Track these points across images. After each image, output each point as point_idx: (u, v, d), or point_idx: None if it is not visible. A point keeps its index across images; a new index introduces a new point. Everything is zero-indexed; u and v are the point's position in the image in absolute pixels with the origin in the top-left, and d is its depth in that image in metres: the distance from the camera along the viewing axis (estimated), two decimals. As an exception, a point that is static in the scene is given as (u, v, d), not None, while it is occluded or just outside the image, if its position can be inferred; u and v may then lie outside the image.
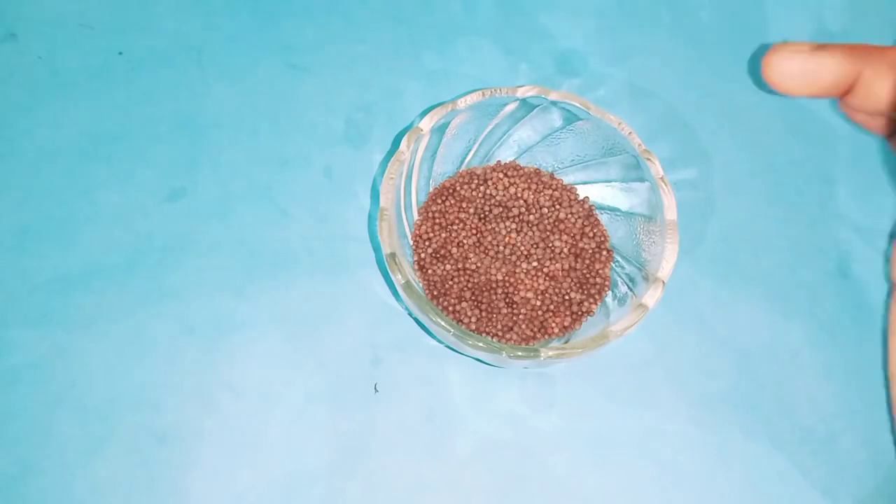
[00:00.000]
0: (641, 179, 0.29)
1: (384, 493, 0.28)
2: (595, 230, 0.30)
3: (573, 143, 0.30)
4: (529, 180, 0.31)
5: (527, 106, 0.29)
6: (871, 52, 0.27)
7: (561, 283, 0.29)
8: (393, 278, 0.26)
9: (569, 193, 0.31)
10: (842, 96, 0.27)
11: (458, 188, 0.30)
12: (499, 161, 0.31)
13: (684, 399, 0.30)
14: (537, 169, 0.31)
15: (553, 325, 0.29)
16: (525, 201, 0.30)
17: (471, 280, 0.29)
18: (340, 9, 0.35)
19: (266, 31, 0.35)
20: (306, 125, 0.33)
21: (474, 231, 0.30)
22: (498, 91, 0.28)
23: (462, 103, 0.28)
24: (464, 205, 0.30)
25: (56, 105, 0.33)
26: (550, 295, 0.29)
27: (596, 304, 0.29)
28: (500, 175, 0.30)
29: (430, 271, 0.29)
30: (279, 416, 0.28)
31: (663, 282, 0.27)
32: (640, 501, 0.28)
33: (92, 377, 0.29)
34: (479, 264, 0.29)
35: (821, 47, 0.27)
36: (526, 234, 0.30)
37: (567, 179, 0.31)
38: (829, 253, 0.32)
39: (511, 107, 0.29)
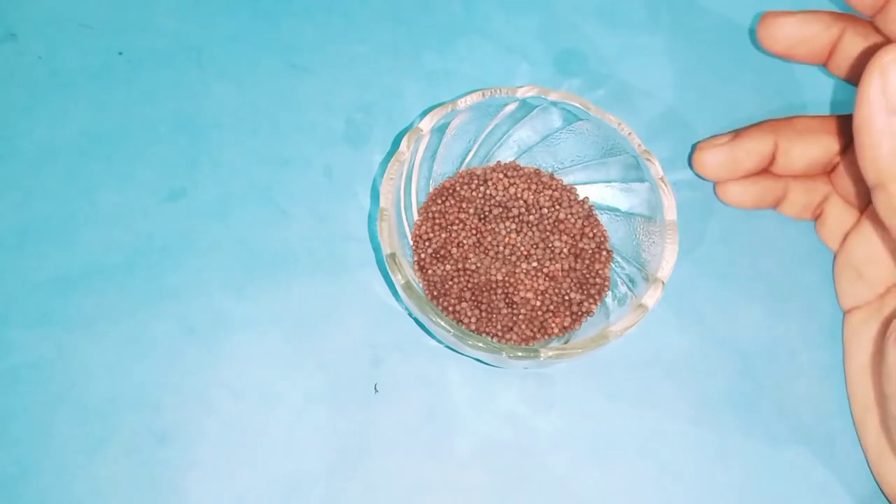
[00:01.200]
0: (641, 179, 0.29)
1: (384, 493, 0.28)
2: (595, 230, 0.30)
3: (573, 143, 0.30)
4: (529, 180, 0.31)
5: (527, 106, 0.29)
6: (781, 124, 0.30)
7: (561, 284, 0.29)
8: (393, 278, 0.26)
9: (569, 194, 0.31)
10: (769, 168, 0.31)
11: (458, 188, 0.30)
12: (499, 161, 0.31)
13: (684, 399, 0.30)
14: (537, 169, 0.31)
15: (553, 325, 0.29)
16: (525, 201, 0.30)
17: (471, 280, 0.29)
18: (340, 9, 0.35)
19: (266, 31, 0.35)
20: (306, 125, 0.33)
21: (474, 231, 0.30)
22: (498, 91, 0.28)
23: (462, 103, 0.28)
24: (464, 205, 0.30)
25: (56, 105, 0.33)
26: (550, 295, 0.29)
27: (596, 304, 0.29)
28: (500, 175, 0.31)
29: (430, 271, 0.29)
30: (279, 416, 0.28)
31: (663, 282, 0.27)
32: (640, 501, 0.28)
33: (92, 377, 0.29)
34: (479, 264, 0.29)
35: (738, 134, 0.30)
36: (526, 234, 0.30)
37: (567, 179, 0.31)
38: (829, 253, 0.32)
39: (511, 107, 0.29)
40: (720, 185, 0.31)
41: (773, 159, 0.30)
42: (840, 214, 0.31)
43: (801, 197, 0.31)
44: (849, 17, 0.30)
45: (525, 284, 0.29)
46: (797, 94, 0.35)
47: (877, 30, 0.29)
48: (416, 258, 0.30)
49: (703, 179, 0.32)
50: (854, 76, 0.30)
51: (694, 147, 0.32)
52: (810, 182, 0.31)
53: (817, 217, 0.32)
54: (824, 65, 0.31)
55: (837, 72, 0.30)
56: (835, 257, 0.31)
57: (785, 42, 0.30)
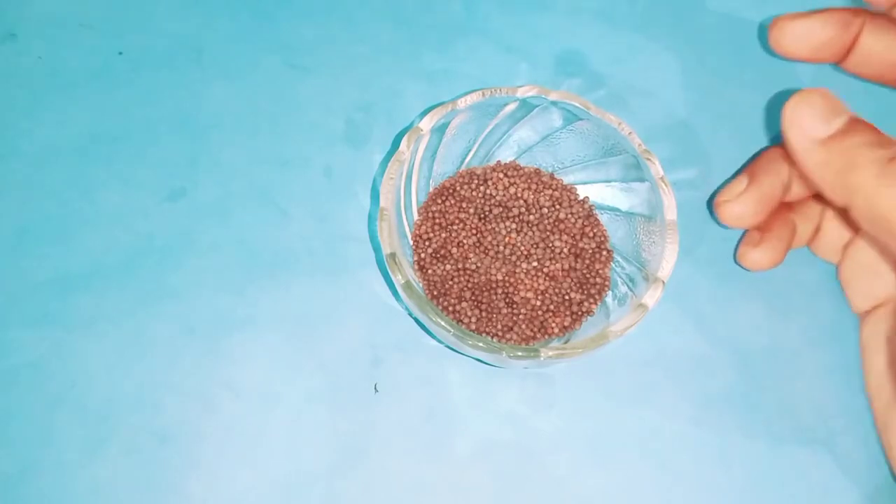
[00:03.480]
0: (641, 179, 0.29)
1: (384, 493, 0.28)
2: (595, 230, 0.30)
3: (573, 143, 0.30)
4: (529, 180, 0.31)
5: (527, 106, 0.29)
6: (786, 150, 0.28)
7: (561, 283, 0.29)
8: (393, 278, 0.26)
9: (569, 193, 0.31)
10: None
11: (458, 188, 0.30)
12: (499, 161, 0.31)
13: (684, 399, 0.30)
14: (537, 169, 0.31)
15: (553, 325, 0.29)
16: (525, 201, 0.30)
17: (471, 280, 0.29)
18: (340, 9, 0.35)
19: (266, 31, 0.35)
20: (306, 125, 0.33)
21: (474, 231, 0.30)
22: (498, 91, 0.28)
23: (462, 103, 0.28)
24: (464, 205, 0.30)
25: (56, 105, 0.33)
26: (550, 295, 0.29)
27: (596, 304, 0.29)
28: (500, 175, 0.30)
29: (430, 271, 0.29)
30: (279, 416, 0.28)
31: (663, 282, 0.27)
32: (640, 501, 0.28)
33: (92, 377, 0.29)
34: (479, 264, 0.29)
35: (752, 175, 0.29)
36: (526, 234, 0.30)
37: (567, 179, 0.31)
38: (829, 253, 0.32)
39: (511, 107, 0.29)
40: (744, 254, 0.30)
41: (788, 187, 0.29)
42: (838, 228, 0.30)
43: (805, 226, 0.30)
44: (864, 12, 0.29)
45: (525, 284, 0.29)
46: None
47: (894, 22, 0.28)
48: (416, 258, 0.30)
49: (689, 188, 0.32)
50: (875, 73, 0.29)
51: (711, 201, 0.31)
52: (806, 209, 0.30)
53: (812, 239, 0.31)
54: (838, 64, 0.30)
55: (855, 70, 0.29)
56: (838, 267, 0.31)
57: (802, 47, 0.29)
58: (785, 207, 0.30)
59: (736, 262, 0.31)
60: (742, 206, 0.28)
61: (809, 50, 0.29)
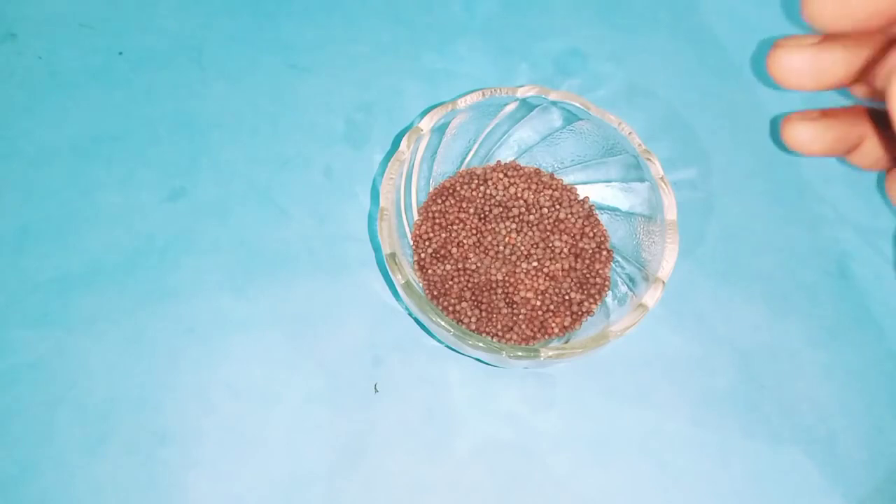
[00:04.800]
0: (641, 179, 0.29)
1: (384, 493, 0.28)
2: (595, 230, 0.30)
3: (573, 143, 0.30)
4: (529, 180, 0.31)
5: (527, 106, 0.29)
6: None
7: (561, 283, 0.29)
8: (393, 278, 0.26)
9: (569, 193, 0.31)
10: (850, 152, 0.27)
11: (458, 188, 0.30)
12: (499, 161, 0.31)
13: (684, 399, 0.30)
14: (537, 169, 0.31)
15: (553, 325, 0.29)
16: (525, 201, 0.30)
17: (471, 280, 0.29)
18: (340, 9, 0.35)
19: (266, 31, 0.35)
20: (306, 125, 0.33)
21: (474, 231, 0.30)
22: (498, 91, 0.28)
23: (462, 103, 0.28)
24: (464, 205, 0.30)
25: (56, 105, 0.33)
26: (550, 295, 0.29)
27: (596, 304, 0.29)
28: (500, 175, 0.30)
29: (430, 271, 0.29)
30: (279, 416, 0.28)
31: (663, 282, 0.27)
32: (640, 501, 0.28)
33: (92, 377, 0.29)
34: (479, 264, 0.29)
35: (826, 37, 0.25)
36: (526, 234, 0.30)
37: (567, 179, 0.31)
38: (829, 253, 0.32)
39: (511, 107, 0.29)
40: (789, 125, 0.26)
41: (859, 144, 0.26)
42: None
43: (876, 150, 0.27)
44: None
45: (525, 284, 0.29)
46: (798, 93, 0.35)
47: None
48: (416, 258, 0.30)
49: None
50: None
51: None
52: (887, 136, 0.27)
53: (890, 170, 0.28)
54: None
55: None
56: (887, 176, 0.28)
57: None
58: (864, 115, 0.26)
59: (775, 136, 0.27)
60: (797, 60, 0.24)
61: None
